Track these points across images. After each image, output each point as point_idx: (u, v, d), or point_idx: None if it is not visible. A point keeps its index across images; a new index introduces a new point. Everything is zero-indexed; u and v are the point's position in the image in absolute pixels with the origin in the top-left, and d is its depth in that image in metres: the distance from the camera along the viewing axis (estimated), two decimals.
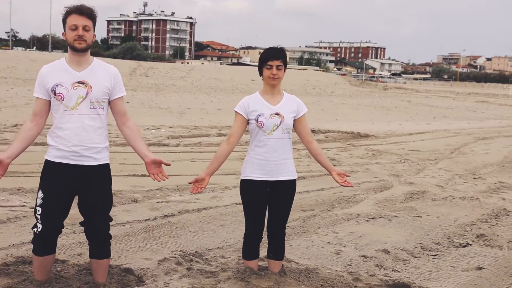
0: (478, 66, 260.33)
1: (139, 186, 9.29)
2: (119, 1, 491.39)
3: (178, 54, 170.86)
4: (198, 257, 6.06)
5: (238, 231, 7.14)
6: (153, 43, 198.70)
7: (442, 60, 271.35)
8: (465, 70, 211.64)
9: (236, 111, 5.28)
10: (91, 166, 4.72)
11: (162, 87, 43.29)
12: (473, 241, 7.23)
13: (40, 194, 4.72)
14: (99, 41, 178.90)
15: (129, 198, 8.43)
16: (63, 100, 4.63)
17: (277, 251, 5.43)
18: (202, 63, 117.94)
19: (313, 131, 18.43)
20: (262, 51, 5.25)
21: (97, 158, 4.75)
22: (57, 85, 4.63)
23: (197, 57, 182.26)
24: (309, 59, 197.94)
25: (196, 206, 8.26)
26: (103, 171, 4.82)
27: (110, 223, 4.98)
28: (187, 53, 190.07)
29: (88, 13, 4.66)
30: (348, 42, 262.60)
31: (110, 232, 4.95)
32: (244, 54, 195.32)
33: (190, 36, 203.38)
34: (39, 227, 4.71)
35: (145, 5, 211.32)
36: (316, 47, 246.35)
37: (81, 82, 4.66)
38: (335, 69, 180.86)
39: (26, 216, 7.20)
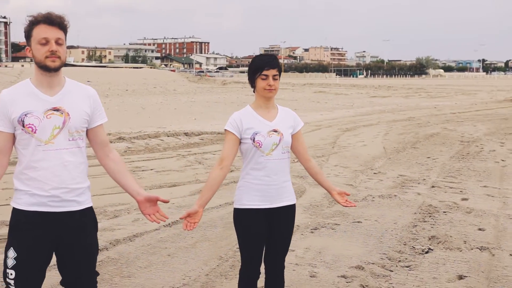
0: (298, 57, 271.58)
1: None
2: None
3: None
4: None
5: (191, 261, 6.36)
6: None
7: (264, 52, 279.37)
8: (286, 61, 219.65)
9: (227, 130, 4.49)
10: (74, 212, 3.72)
11: None
12: (431, 244, 6.99)
13: (12, 253, 3.64)
14: None
15: None
16: (35, 132, 3.60)
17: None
18: (22, 65, 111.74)
19: (186, 134, 17.67)
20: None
21: (81, 201, 3.76)
22: (25, 114, 3.59)
23: (15, 59, 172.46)
24: (134, 57, 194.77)
25: (125, 234, 7.30)
26: (88, 216, 3.84)
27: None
28: (3, 55, 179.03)
29: (60, 23, 3.65)
30: (173, 38, 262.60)
31: None
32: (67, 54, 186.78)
33: (6, 37, 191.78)
34: None
35: None
36: (140, 44, 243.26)
37: (56, 109, 3.64)
38: (163, 65, 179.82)
39: None
